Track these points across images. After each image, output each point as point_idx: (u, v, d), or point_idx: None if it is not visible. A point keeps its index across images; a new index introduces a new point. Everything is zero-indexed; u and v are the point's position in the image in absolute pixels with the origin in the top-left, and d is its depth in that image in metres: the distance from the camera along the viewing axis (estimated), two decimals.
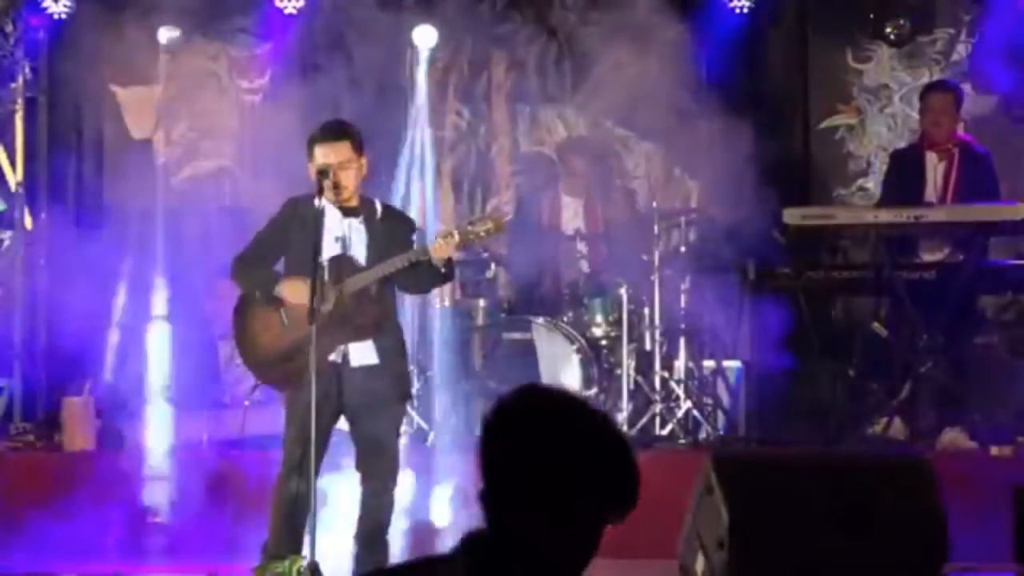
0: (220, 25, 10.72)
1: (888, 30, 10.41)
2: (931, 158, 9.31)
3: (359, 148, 6.92)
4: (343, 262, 6.84)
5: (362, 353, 6.86)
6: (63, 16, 10.52)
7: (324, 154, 6.85)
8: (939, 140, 9.31)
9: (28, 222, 10.61)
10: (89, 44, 10.77)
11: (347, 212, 6.89)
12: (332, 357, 6.81)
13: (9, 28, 10.30)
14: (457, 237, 6.73)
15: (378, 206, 7.02)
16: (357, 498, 6.96)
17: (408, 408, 8.88)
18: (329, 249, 6.82)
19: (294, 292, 6.82)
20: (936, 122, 9.31)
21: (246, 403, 8.44)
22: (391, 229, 6.94)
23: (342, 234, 6.86)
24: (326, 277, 6.76)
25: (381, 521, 6.91)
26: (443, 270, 6.83)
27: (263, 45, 10.88)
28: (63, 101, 10.96)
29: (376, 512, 6.89)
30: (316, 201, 6.85)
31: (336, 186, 6.80)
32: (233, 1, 10.67)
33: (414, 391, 9.30)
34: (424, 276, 6.88)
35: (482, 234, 6.84)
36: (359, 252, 6.89)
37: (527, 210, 9.99)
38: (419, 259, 6.76)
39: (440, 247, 6.70)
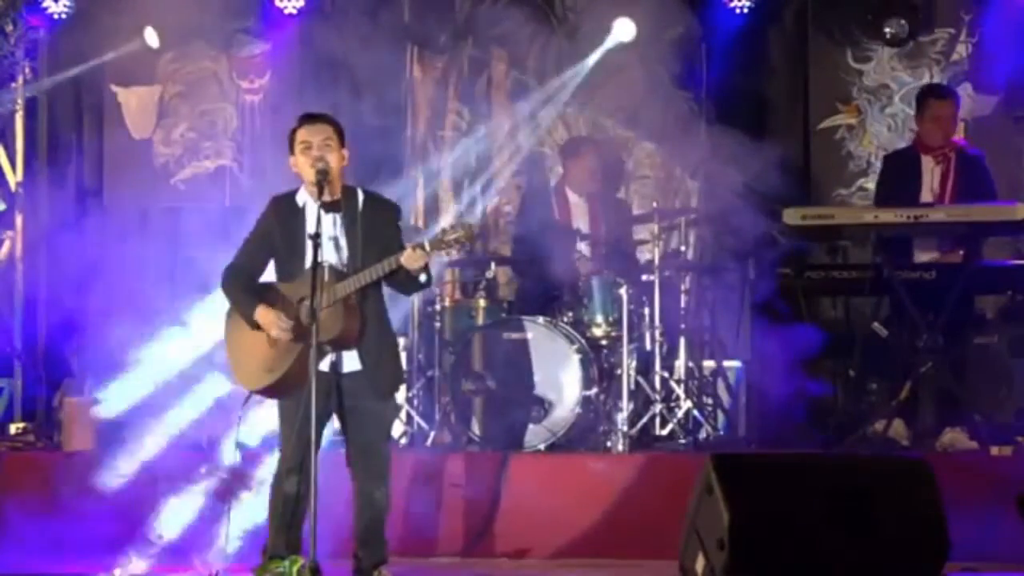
0: (220, 26, 10.72)
1: (886, 30, 10.40)
2: (927, 162, 9.32)
3: (341, 137, 6.90)
4: (322, 272, 6.76)
5: (351, 359, 6.84)
6: (63, 16, 10.52)
7: (307, 133, 6.84)
8: (937, 146, 9.30)
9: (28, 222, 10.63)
10: (89, 44, 10.79)
11: (328, 207, 6.79)
12: (321, 366, 6.76)
13: (9, 28, 10.31)
14: (428, 247, 6.70)
15: (360, 196, 6.93)
16: (352, 498, 6.96)
17: (400, 406, 8.91)
18: (309, 250, 6.73)
19: (266, 320, 6.78)
20: (936, 130, 9.30)
21: (239, 415, 8.44)
22: (373, 221, 6.86)
23: (323, 233, 6.75)
24: (304, 288, 6.68)
25: (377, 519, 6.90)
26: (420, 278, 6.81)
27: (263, 45, 10.88)
28: (63, 101, 10.97)
29: (370, 511, 6.88)
30: (299, 198, 6.85)
31: (321, 160, 6.74)
32: (233, 2, 10.66)
33: (414, 391, 9.32)
34: (403, 282, 6.86)
35: (452, 243, 6.78)
36: (340, 250, 6.84)
37: (534, 208, 9.98)
38: (394, 268, 6.71)
39: (411, 258, 6.67)
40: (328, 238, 6.78)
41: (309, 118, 6.96)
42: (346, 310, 6.73)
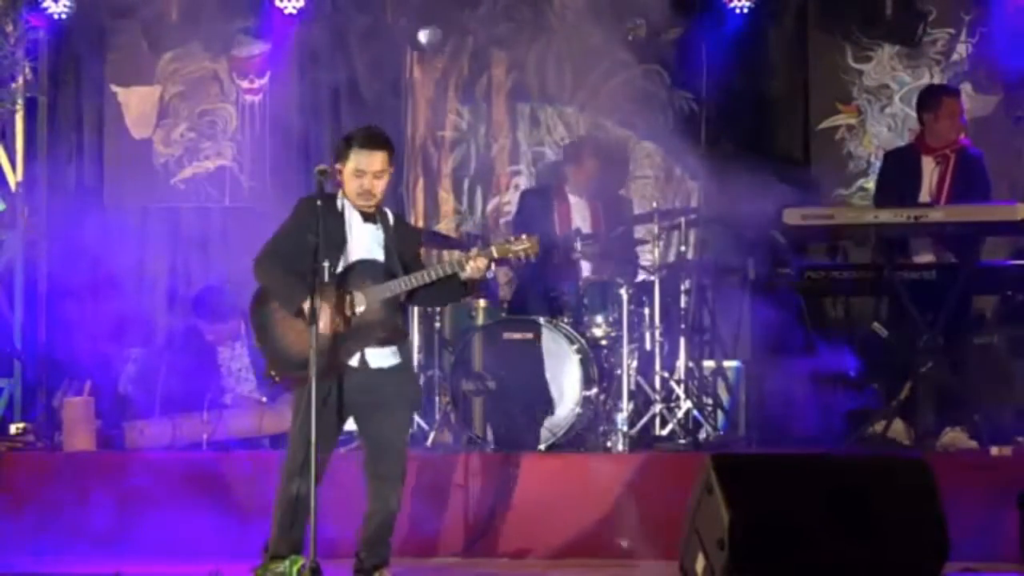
0: (220, 26, 10.72)
1: (919, 30, 10.43)
2: (927, 162, 9.32)
3: (393, 159, 6.94)
4: (371, 267, 6.83)
5: (382, 356, 6.87)
6: (63, 16, 10.52)
7: (361, 159, 6.84)
8: (945, 144, 9.29)
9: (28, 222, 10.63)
10: (89, 44, 10.79)
11: (366, 217, 6.91)
12: (351, 361, 6.79)
13: (9, 28, 10.31)
14: (495, 254, 6.72)
15: (390, 215, 7.05)
16: (364, 498, 6.96)
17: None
18: (354, 252, 6.82)
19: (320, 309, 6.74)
20: (951, 127, 9.27)
21: (227, 399, 8.49)
22: (403, 239, 6.99)
23: (364, 239, 6.85)
24: (352, 280, 6.76)
25: (387, 522, 6.91)
26: (468, 286, 6.84)
27: (263, 45, 10.88)
28: (63, 101, 10.97)
29: (382, 514, 6.89)
30: (338, 202, 6.87)
31: (368, 193, 6.83)
32: (233, 2, 10.67)
33: None
34: (448, 290, 6.88)
35: (520, 253, 6.80)
36: (379, 255, 6.89)
37: (534, 208, 9.98)
38: (451, 272, 6.75)
39: (477, 264, 6.69)
40: (368, 241, 6.86)
41: (368, 142, 6.89)
42: (394, 308, 6.83)
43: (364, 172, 6.85)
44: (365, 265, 6.85)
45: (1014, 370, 9.20)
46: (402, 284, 6.81)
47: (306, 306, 6.66)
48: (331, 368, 6.71)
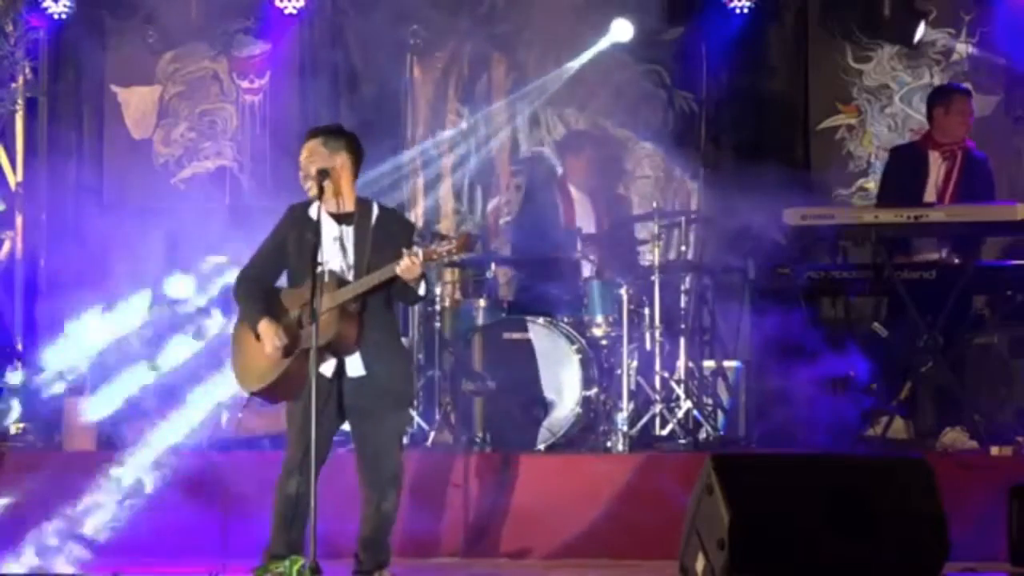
0: (220, 26, 10.73)
1: (920, 35, 10.46)
2: (935, 157, 9.34)
3: (334, 147, 6.88)
4: (326, 279, 6.79)
5: (352, 365, 6.86)
6: (63, 16, 10.53)
7: (301, 154, 6.92)
8: (953, 141, 9.31)
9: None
10: (89, 44, 10.80)
11: (340, 219, 6.87)
12: (322, 370, 6.78)
13: (9, 28, 10.32)
14: (421, 257, 6.69)
15: (375, 210, 6.96)
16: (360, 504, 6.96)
17: (411, 416, 8.88)
18: (324, 255, 6.79)
19: (265, 333, 6.81)
20: (961, 124, 9.34)
21: (239, 415, 8.50)
22: (386, 234, 6.87)
23: (334, 240, 6.83)
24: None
25: (382, 527, 6.90)
26: (419, 290, 6.80)
27: (263, 45, 10.89)
28: (63, 101, 10.98)
29: (376, 519, 6.87)
30: (312, 210, 6.85)
31: (304, 177, 6.84)
32: (233, 2, 10.67)
33: (414, 391, 9.31)
34: (401, 292, 6.86)
35: (444, 254, 6.75)
36: (347, 259, 6.86)
37: (534, 208, 9.98)
38: (391, 276, 6.71)
39: (407, 268, 6.67)
40: (335, 243, 6.81)
41: (305, 137, 7.00)
42: (343, 316, 6.73)
43: (300, 164, 6.88)
44: (319, 278, 6.78)
45: (1014, 370, 9.20)
46: (345, 293, 6.75)
47: (260, 328, 6.79)
48: (296, 381, 6.70)
